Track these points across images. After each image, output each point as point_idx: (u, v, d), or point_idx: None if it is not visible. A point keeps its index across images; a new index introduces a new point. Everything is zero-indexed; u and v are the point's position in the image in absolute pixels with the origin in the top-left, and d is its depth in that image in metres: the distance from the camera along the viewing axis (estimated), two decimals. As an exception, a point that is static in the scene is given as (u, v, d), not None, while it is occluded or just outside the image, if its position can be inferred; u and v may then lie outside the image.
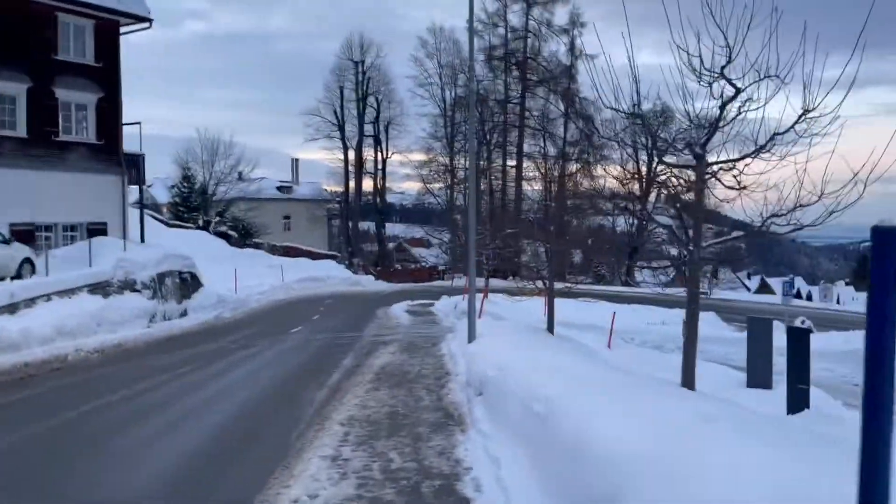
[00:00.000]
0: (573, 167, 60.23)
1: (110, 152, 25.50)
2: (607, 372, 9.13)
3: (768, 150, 8.19)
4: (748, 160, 8.44)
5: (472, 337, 15.83)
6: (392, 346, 18.54)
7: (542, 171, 62.38)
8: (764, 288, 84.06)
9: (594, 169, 61.52)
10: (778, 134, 8.10)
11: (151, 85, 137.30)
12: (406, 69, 62.34)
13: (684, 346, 9.24)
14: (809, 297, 63.35)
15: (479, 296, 22.25)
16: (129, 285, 21.53)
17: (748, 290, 74.59)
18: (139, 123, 27.32)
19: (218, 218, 51.04)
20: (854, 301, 68.05)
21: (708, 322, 22.26)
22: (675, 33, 8.18)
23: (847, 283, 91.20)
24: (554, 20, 60.24)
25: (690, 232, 8.96)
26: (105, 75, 25.22)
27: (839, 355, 22.22)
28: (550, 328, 17.72)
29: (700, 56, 8.17)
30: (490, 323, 19.45)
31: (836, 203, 7.50)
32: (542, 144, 62.51)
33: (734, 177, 8.71)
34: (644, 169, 61.74)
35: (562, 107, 61.36)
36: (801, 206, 7.99)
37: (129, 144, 27.16)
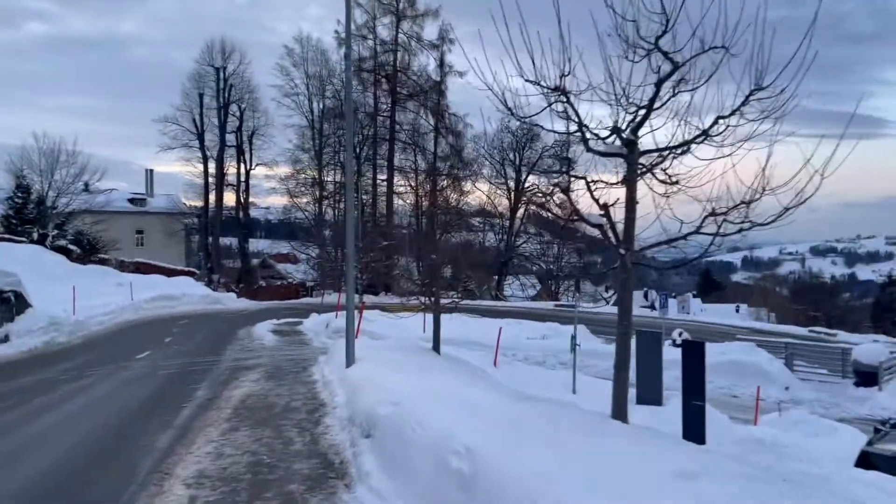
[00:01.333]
0: (444, 182, 59.61)
1: (-88, 151, 21.43)
2: (527, 405, 7.52)
3: (711, 136, 6.98)
4: (685, 148, 7.16)
5: (350, 360, 13.86)
6: (255, 373, 16.28)
7: (414, 185, 61.37)
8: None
9: (464, 184, 61.59)
10: (722, 117, 6.90)
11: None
12: (272, 80, 59.09)
13: (615, 372, 7.83)
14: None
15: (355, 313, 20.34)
16: (-71, 308, 17.93)
17: (606, 302, 76.77)
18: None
19: (56, 231, 45.75)
20: (703, 312, 71.57)
21: (581, 335, 21.61)
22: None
23: (694, 296, 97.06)
24: (423, 34, 59.34)
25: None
26: None
27: (716, 367, 22.23)
28: (436, 347, 16.10)
29: (636, 21, 6.82)
30: (369, 343, 17.57)
31: (797, 197, 6.34)
32: (413, 159, 61.47)
33: (664, 170, 7.46)
34: (513, 183, 63.05)
35: (432, 121, 60.59)
36: (745, 202, 6.81)
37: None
